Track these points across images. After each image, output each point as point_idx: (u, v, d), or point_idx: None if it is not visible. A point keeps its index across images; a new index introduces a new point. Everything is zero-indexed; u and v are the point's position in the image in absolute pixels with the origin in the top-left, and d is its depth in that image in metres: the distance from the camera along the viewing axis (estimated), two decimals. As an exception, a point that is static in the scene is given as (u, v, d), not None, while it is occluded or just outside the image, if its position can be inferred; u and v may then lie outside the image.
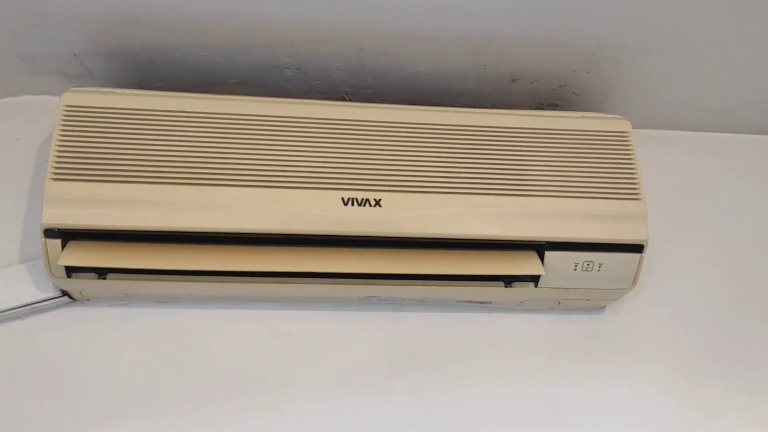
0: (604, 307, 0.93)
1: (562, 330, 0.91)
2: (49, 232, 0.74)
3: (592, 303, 0.90)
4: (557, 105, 0.98)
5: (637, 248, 0.82)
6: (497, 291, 0.84)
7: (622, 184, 0.82)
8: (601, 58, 0.90)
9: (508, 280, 0.83)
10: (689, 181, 1.03)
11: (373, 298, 0.86)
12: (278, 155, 0.78)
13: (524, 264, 0.81)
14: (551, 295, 0.85)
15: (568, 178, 0.82)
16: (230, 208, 0.75)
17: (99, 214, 0.74)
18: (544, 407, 0.87)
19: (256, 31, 0.84)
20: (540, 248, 0.81)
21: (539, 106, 0.99)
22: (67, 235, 0.75)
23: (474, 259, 0.80)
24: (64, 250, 0.75)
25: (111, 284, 0.78)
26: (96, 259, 0.75)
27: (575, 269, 0.81)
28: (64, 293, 0.82)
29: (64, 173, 0.74)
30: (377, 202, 0.77)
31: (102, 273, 0.78)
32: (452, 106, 0.88)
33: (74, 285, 0.79)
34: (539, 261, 0.81)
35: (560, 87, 0.95)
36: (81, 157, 0.75)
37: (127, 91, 0.80)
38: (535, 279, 0.82)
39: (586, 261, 0.81)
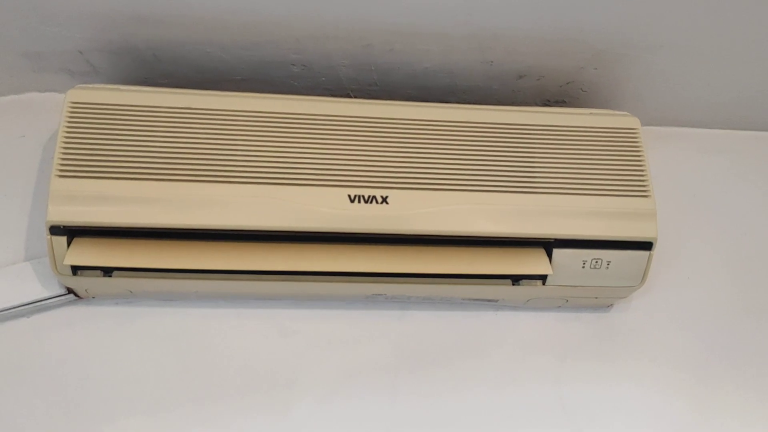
0: (611, 305, 0.92)
1: (570, 328, 0.91)
2: (55, 230, 0.74)
3: (599, 301, 0.90)
4: (565, 102, 0.98)
5: (646, 246, 0.81)
6: (504, 289, 0.84)
7: (630, 181, 0.82)
8: (609, 55, 0.89)
9: (516, 278, 0.82)
10: (698, 178, 1.02)
11: (380, 296, 0.85)
12: (284, 152, 0.78)
13: (532, 263, 0.80)
14: (559, 293, 0.85)
15: (576, 175, 0.81)
16: (235, 205, 0.75)
17: (105, 211, 0.73)
18: (551, 406, 0.87)
19: (262, 28, 0.83)
20: (548, 245, 0.80)
21: (546, 103, 0.98)
22: (73, 232, 0.75)
23: (481, 258, 0.80)
24: (70, 248, 0.74)
25: (117, 282, 0.78)
26: (102, 259, 0.75)
27: (583, 267, 0.81)
28: (70, 291, 0.82)
29: (70, 170, 0.74)
30: (384, 200, 0.77)
31: (108, 270, 0.77)
32: (459, 103, 0.88)
33: (80, 283, 0.79)
34: (547, 260, 0.80)
35: (568, 84, 0.94)
36: (86, 154, 0.75)
37: (132, 88, 0.80)
38: (542, 277, 0.82)
39: (594, 258, 0.81)
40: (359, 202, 0.76)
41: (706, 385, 0.89)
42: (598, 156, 0.83)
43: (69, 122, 0.76)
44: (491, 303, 0.89)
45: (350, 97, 0.96)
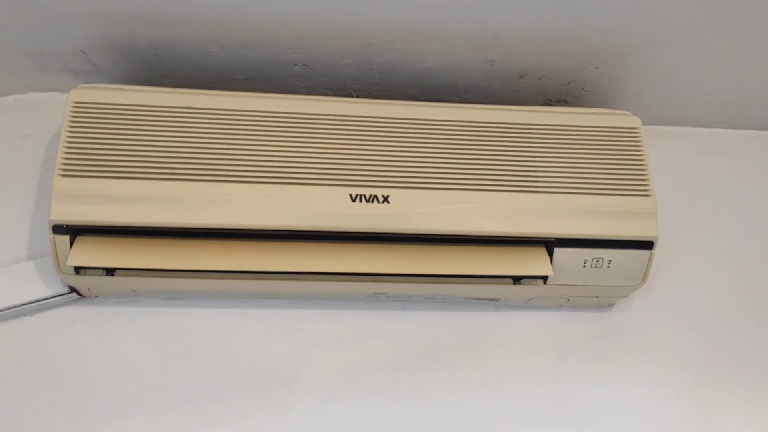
0: (612, 304, 0.92)
1: (571, 328, 0.91)
2: (58, 229, 0.74)
3: (601, 300, 0.90)
4: (566, 101, 0.98)
5: (647, 245, 0.81)
6: (506, 288, 0.84)
7: (631, 181, 0.82)
8: (610, 54, 0.89)
9: (517, 278, 0.82)
10: (699, 177, 1.02)
11: (381, 295, 0.85)
12: (286, 151, 0.78)
13: (533, 262, 0.80)
14: (560, 293, 0.85)
15: (577, 174, 0.81)
16: (237, 204, 0.75)
17: (107, 210, 0.74)
18: (553, 405, 0.87)
19: (264, 27, 0.84)
20: (549, 245, 0.80)
21: (548, 103, 0.98)
22: (76, 231, 0.75)
23: (482, 257, 0.80)
24: (73, 247, 0.75)
25: (119, 281, 0.78)
26: (105, 259, 0.75)
27: (584, 266, 0.81)
28: (72, 290, 0.82)
29: (73, 169, 0.74)
30: (385, 199, 0.77)
31: (110, 270, 0.77)
32: (460, 102, 0.88)
33: (82, 282, 0.80)
34: (548, 260, 0.80)
35: (569, 83, 0.95)
36: (89, 153, 0.75)
37: (134, 87, 0.80)
38: (544, 276, 0.82)
39: (595, 258, 0.81)
40: (360, 201, 0.76)
41: (707, 385, 0.89)
42: (599, 155, 0.83)
43: (72, 122, 0.76)
44: (492, 302, 0.90)
45: (352, 96, 0.97)
